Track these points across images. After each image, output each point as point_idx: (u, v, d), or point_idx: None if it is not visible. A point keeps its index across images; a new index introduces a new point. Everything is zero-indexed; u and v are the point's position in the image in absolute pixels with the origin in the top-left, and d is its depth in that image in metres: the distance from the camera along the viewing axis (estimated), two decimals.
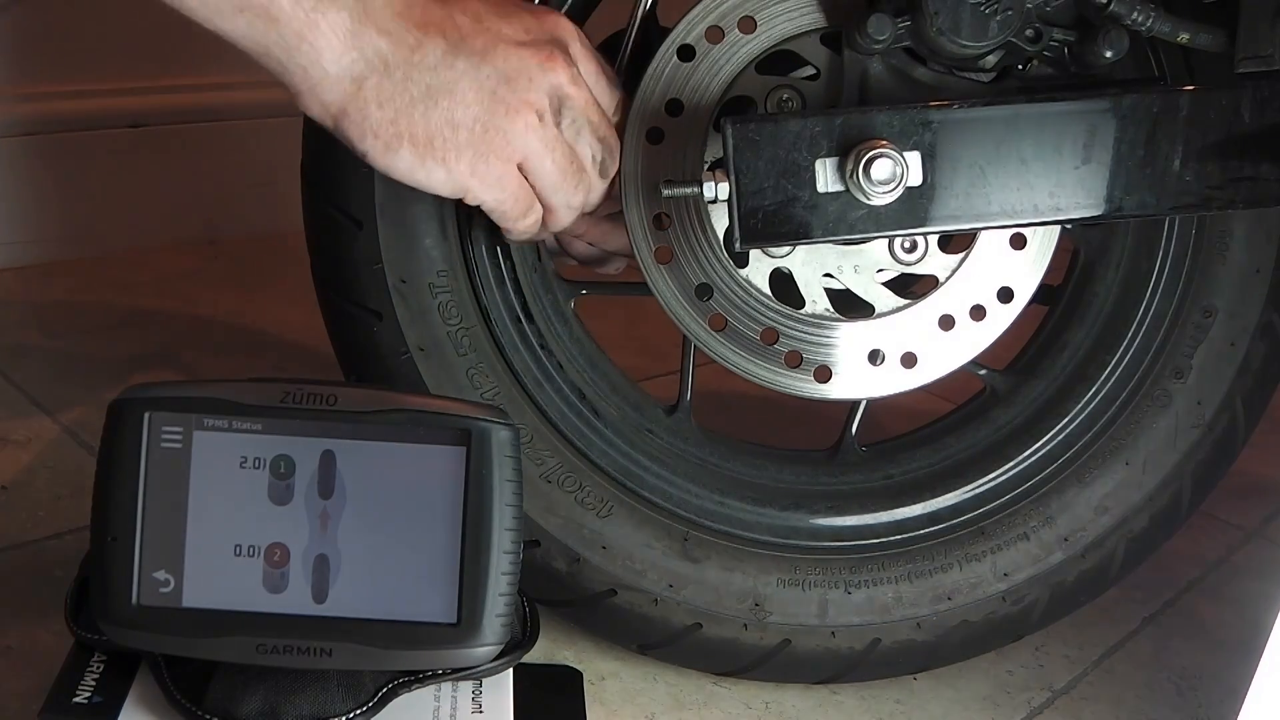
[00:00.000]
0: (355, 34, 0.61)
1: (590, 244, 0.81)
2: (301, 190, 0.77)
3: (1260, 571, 1.05)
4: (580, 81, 0.68)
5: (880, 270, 0.77)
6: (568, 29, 0.69)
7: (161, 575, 0.64)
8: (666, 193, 0.70)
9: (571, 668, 0.81)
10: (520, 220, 0.70)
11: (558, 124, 0.68)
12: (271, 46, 0.60)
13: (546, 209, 0.71)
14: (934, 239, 0.76)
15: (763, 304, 0.76)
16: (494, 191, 0.67)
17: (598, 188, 0.72)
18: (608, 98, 0.72)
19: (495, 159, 0.66)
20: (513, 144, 0.66)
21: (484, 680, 0.72)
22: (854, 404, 0.83)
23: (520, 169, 0.68)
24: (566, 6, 0.76)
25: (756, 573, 0.80)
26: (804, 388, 0.77)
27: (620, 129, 0.73)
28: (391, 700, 0.68)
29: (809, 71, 0.74)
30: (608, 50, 0.76)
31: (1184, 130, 0.68)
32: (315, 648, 0.65)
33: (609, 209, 0.75)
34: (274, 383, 0.65)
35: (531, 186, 0.69)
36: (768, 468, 0.83)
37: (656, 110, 0.73)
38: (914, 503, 0.83)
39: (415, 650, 0.66)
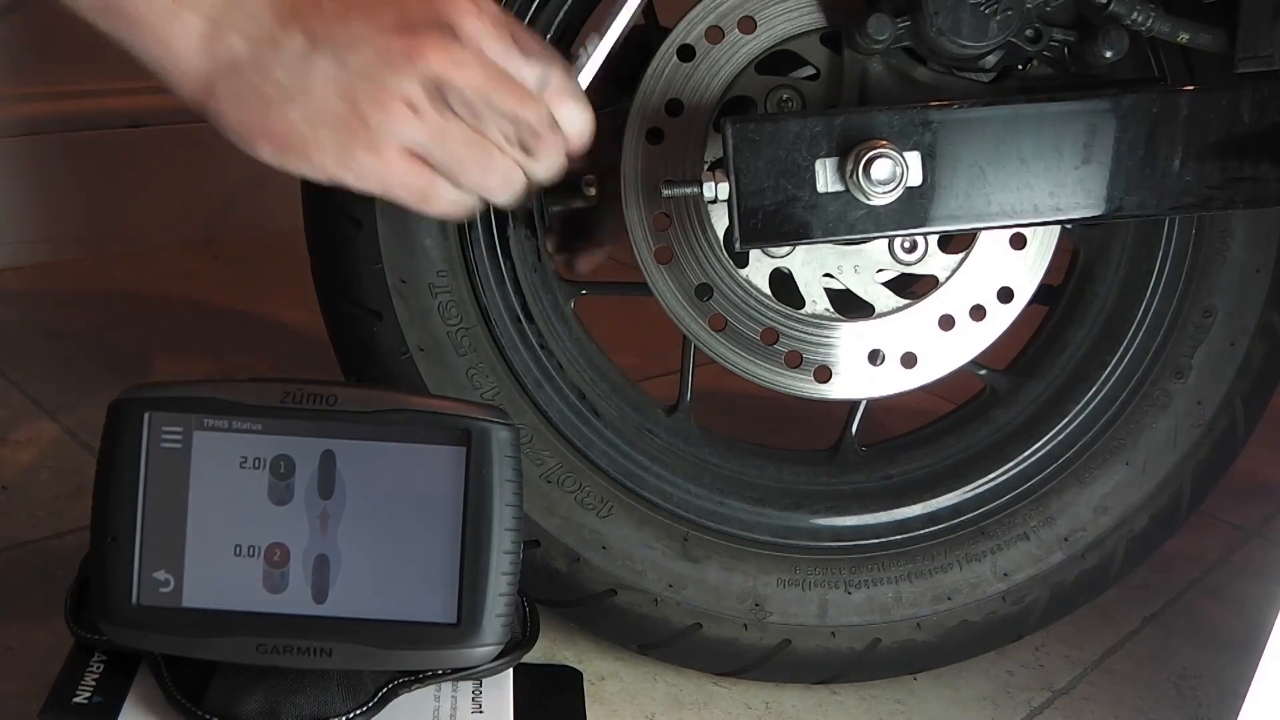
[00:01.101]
0: (209, 37, 0.60)
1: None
2: (301, 190, 0.77)
3: (1260, 571, 1.05)
4: (468, 63, 0.63)
5: (880, 270, 0.77)
6: (460, 6, 0.63)
7: (161, 575, 0.64)
8: (666, 193, 0.70)
9: (571, 668, 0.81)
10: (427, 205, 0.65)
11: (445, 109, 0.63)
12: (132, 47, 0.61)
13: (470, 192, 0.66)
14: (934, 239, 0.76)
15: (763, 304, 0.76)
16: (373, 183, 0.64)
17: (536, 166, 0.66)
18: (525, 69, 0.65)
19: (364, 153, 0.63)
20: (383, 137, 0.63)
21: (484, 680, 0.72)
22: (854, 404, 0.83)
23: (415, 155, 0.64)
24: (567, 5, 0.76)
25: (756, 573, 0.80)
26: (804, 388, 0.77)
27: (569, 97, 0.66)
28: (391, 700, 0.68)
29: (809, 71, 0.74)
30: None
31: (1184, 130, 0.68)
32: (315, 648, 0.64)
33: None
34: (274, 383, 0.65)
35: (435, 171, 0.65)
36: (768, 468, 0.83)
37: (656, 110, 0.73)
38: (914, 503, 0.83)
39: (415, 650, 0.66)
